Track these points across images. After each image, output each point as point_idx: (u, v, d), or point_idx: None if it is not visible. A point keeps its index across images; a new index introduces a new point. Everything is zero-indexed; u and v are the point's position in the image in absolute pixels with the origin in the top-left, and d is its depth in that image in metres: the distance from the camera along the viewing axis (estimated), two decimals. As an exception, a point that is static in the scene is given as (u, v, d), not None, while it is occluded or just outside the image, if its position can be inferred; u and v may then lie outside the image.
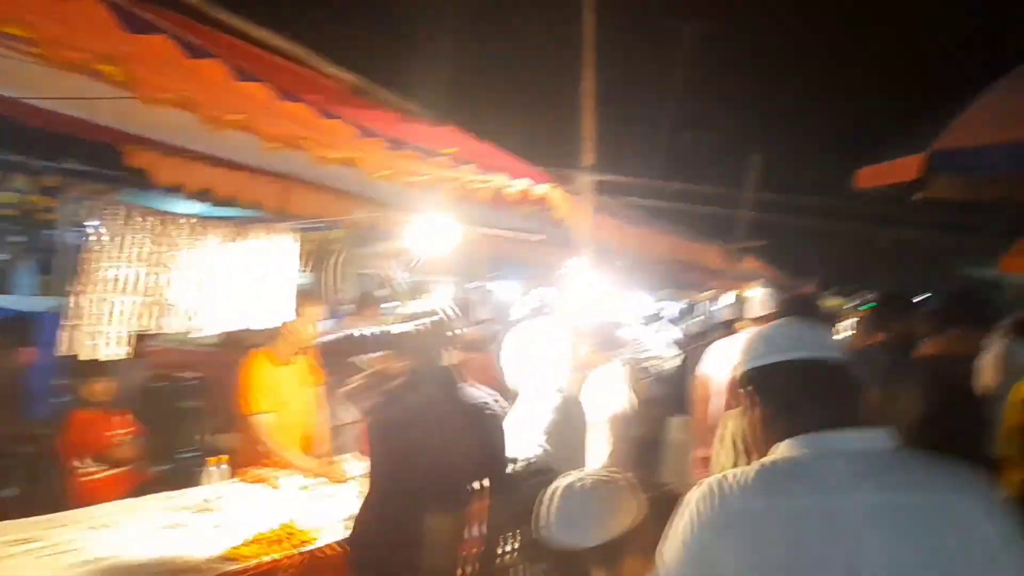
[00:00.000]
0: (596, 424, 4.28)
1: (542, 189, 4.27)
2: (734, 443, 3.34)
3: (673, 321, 8.66)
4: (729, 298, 9.04)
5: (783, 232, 9.73)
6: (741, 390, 1.61)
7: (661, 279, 7.62)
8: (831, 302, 12.79)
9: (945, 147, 4.41)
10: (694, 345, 6.81)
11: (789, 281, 14.58)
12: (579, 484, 1.97)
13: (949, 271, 11.51)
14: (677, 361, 6.98)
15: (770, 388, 1.52)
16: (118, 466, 4.79)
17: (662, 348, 7.31)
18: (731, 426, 3.45)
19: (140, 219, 4.25)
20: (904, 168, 4.90)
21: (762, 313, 4.85)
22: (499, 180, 3.97)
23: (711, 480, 1.45)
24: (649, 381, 6.84)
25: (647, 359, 7.07)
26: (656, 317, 8.82)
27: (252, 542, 3.51)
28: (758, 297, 4.99)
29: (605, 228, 5.78)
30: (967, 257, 9.96)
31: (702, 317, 8.72)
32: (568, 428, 3.59)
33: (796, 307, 4.87)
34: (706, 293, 8.61)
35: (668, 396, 6.63)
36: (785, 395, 1.50)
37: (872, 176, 5.40)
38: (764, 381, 1.54)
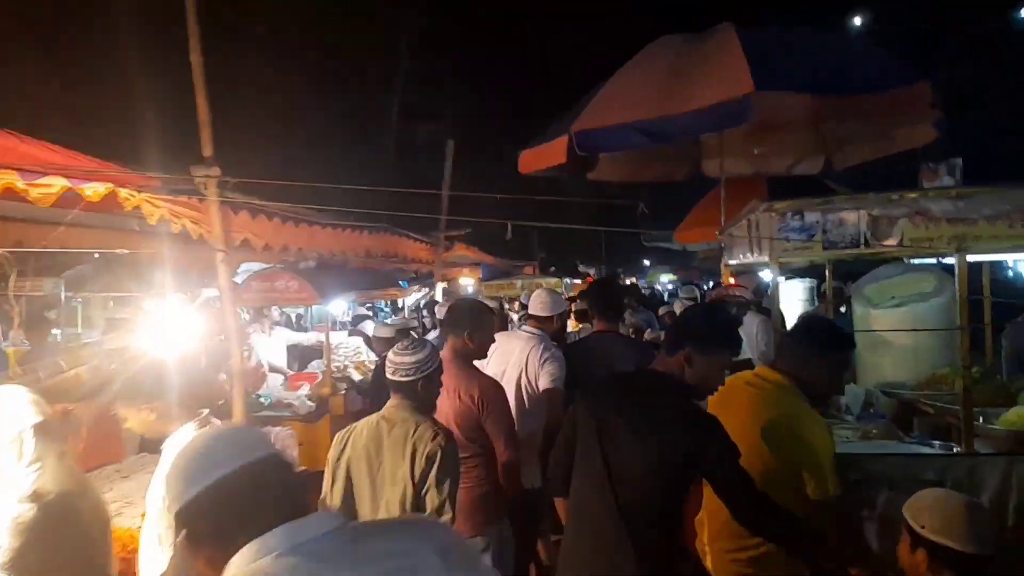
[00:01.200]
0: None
1: (129, 192, 3.43)
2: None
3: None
4: (438, 291, 8.82)
5: (489, 216, 9.71)
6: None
7: (355, 280, 7.07)
8: (549, 282, 13.34)
9: (582, 128, 4.45)
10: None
11: (507, 265, 15.06)
12: None
13: (638, 243, 12.65)
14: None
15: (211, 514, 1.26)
16: None
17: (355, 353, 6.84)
18: None
19: None
20: (554, 151, 4.91)
21: (550, 313, 4.16)
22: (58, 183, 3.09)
23: None
24: (349, 392, 6.28)
25: (339, 368, 6.52)
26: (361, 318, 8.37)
27: None
28: (542, 297, 4.24)
29: (253, 229, 4.96)
30: (651, 232, 10.92)
31: (404, 315, 8.41)
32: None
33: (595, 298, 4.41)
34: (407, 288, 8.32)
35: (369, 407, 6.14)
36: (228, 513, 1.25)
37: (532, 160, 5.38)
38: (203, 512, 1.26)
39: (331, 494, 2.72)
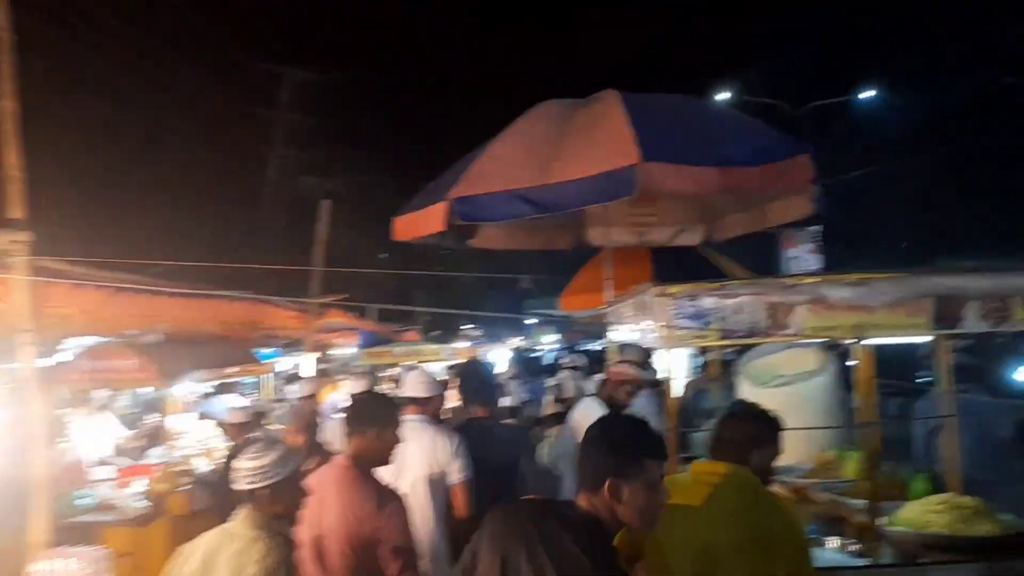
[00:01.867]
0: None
1: None
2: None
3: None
4: (308, 365, 8.09)
5: (367, 281, 9.15)
6: None
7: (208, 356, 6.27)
8: (429, 348, 12.80)
9: (463, 195, 4.11)
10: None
11: (392, 330, 14.43)
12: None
13: (522, 310, 12.48)
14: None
15: None
16: None
17: (203, 440, 5.98)
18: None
19: None
20: (432, 217, 4.52)
21: (430, 394, 3.68)
22: None
23: None
24: (194, 487, 5.43)
25: (184, 458, 5.66)
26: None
27: None
28: (420, 378, 3.76)
29: (76, 303, 4.23)
30: (539, 299, 10.73)
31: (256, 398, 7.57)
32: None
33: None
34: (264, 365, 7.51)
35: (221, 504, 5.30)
36: None
37: (408, 227, 4.97)
38: None
39: None
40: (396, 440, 2.86)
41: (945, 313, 2.65)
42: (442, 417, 4.00)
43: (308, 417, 5.32)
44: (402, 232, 4.93)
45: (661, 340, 2.82)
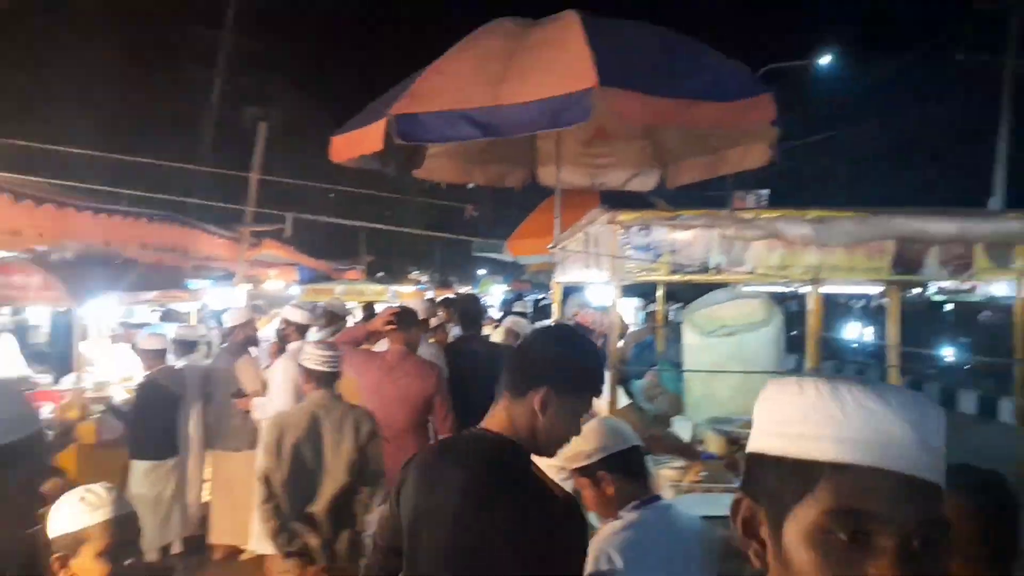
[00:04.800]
0: None
1: None
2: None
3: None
4: (239, 296, 7.67)
5: (311, 211, 8.69)
6: None
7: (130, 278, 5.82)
8: (374, 288, 12.43)
9: (404, 112, 3.78)
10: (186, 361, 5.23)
11: (332, 269, 13.95)
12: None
13: (467, 255, 12.09)
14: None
15: None
16: None
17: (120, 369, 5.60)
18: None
19: None
20: (370, 137, 4.17)
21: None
22: None
23: None
24: (103, 416, 5.08)
25: (98, 385, 5.28)
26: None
27: None
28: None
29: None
30: (482, 241, 10.40)
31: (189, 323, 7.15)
32: None
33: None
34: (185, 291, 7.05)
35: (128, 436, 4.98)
36: None
37: (345, 146, 4.60)
38: None
39: (278, 470, 3.15)
40: (421, 335, 4.26)
41: (906, 257, 2.51)
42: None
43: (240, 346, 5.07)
44: (339, 152, 4.56)
45: (609, 273, 2.61)
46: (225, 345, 5.44)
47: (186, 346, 5.33)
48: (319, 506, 3.13)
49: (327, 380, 3.33)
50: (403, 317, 4.05)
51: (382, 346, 4.32)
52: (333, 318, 6.17)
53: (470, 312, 5.06)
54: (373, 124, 4.04)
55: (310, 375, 3.33)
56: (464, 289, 20.76)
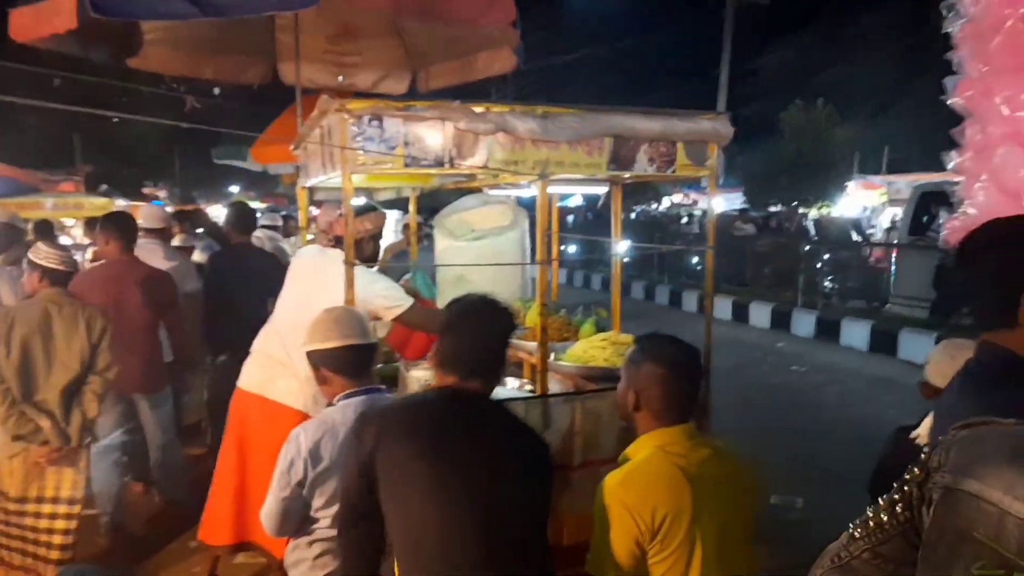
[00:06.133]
0: None
1: None
2: None
3: None
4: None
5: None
6: None
7: None
8: (96, 203, 10.82)
9: (97, -19, 3.19)
10: None
11: (41, 179, 11.87)
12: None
13: (212, 165, 10.95)
14: None
15: None
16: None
17: None
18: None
19: None
20: (59, 11, 3.49)
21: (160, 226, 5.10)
22: None
23: None
24: None
25: None
26: None
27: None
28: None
29: None
30: (229, 149, 9.46)
31: None
32: None
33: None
34: None
35: None
36: None
37: (28, 22, 3.80)
38: None
39: (7, 360, 3.19)
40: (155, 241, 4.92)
41: (621, 154, 2.70)
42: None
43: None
44: (22, 28, 3.77)
45: (341, 165, 2.48)
46: None
47: None
48: (51, 394, 3.27)
49: (60, 278, 3.37)
50: (108, 224, 4.14)
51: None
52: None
53: (243, 219, 5.15)
54: (60, -6, 3.37)
55: (44, 272, 3.34)
56: (212, 208, 19.01)
